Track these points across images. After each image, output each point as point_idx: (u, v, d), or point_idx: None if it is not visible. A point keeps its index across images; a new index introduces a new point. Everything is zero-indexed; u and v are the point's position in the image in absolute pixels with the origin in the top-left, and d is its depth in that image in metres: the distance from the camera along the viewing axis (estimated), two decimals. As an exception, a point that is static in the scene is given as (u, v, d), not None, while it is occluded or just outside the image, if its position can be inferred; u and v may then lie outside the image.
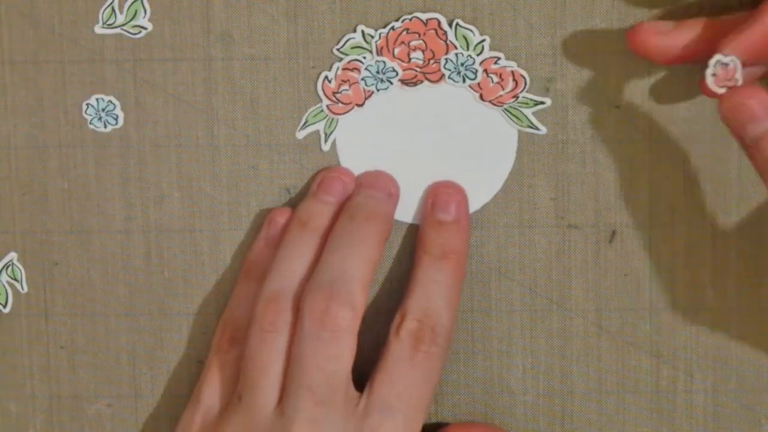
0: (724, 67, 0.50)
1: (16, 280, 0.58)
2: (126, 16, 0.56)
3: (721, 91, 0.50)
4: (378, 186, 0.56)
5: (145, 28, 0.56)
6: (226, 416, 0.54)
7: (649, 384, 0.57)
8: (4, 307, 0.58)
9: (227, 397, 0.55)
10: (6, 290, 0.58)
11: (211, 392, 0.55)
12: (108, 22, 0.56)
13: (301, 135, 0.56)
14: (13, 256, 0.58)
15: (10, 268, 0.58)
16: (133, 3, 0.56)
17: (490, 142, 0.56)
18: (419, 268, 0.55)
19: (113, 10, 0.56)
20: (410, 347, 0.53)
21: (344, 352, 0.52)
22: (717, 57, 0.50)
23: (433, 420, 0.58)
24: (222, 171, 0.57)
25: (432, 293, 0.54)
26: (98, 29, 0.57)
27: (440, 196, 0.56)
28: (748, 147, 0.49)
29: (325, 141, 0.56)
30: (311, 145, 0.56)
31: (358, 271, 0.53)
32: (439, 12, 0.55)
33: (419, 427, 0.53)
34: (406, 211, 0.57)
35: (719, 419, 0.57)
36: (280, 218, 0.56)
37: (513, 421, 0.58)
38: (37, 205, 0.58)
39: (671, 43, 0.52)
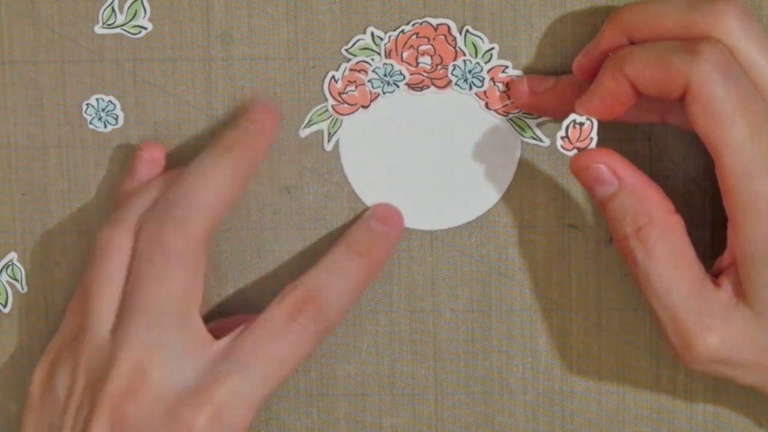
0: (579, 127, 0.52)
1: (16, 280, 0.58)
2: (126, 16, 0.56)
3: (571, 153, 0.52)
4: (256, 116, 0.55)
5: (145, 28, 0.56)
6: (71, 343, 0.53)
7: (649, 384, 0.57)
8: (4, 307, 0.58)
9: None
10: (6, 290, 0.58)
11: (71, 319, 0.54)
12: (108, 22, 0.56)
13: (304, 133, 0.56)
14: (13, 256, 0.58)
15: (10, 268, 0.58)
16: (133, 3, 0.56)
17: (493, 151, 0.56)
18: (331, 252, 0.54)
19: (113, 10, 0.56)
20: (288, 315, 0.52)
21: (176, 276, 0.51)
22: (572, 117, 0.52)
23: (433, 421, 0.58)
24: (222, 171, 0.57)
25: (334, 276, 0.53)
26: (98, 29, 0.57)
27: (382, 212, 0.56)
28: (598, 204, 0.52)
29: (329, 141, 0.56)
30: (312, 145, 0.56)
31: (202, 200, 0.52)
32: (438, 12, 0.55)
33: (268, 391, 0.51)
34: (406, 216, 0.57)
35: (719, 419, 0.57)
36: (143, 152, 0.56)
37: (513, 421, 0.58)
38: (37, 205, 0.58)
39: (544, 103, 0.55)
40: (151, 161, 0.56)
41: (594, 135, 0.52)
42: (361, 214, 0.57)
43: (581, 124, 0.52)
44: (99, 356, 0.51)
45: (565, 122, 0.52)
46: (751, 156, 0.48)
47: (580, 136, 0.52)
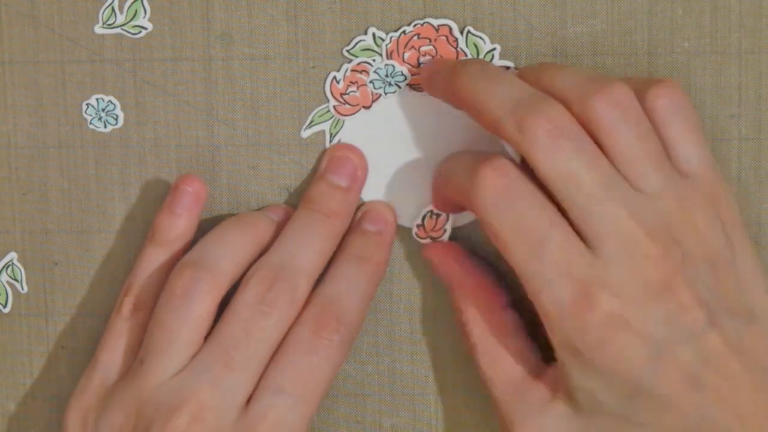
0: (435, 218, 0.56)
1: (16, 280, 0.58)
2: (126, 16, 0.56)
3: (425, 241, 0.56)
4: (342, 172, 0.56)
5: (145, 28, 0.56)
6: (127, 380, 0.53)
7: (649, 384, 0.57)
8: (4, 307, 0.58)
9: (125, 364, 0.55)
10: (6, 290, 0.58)
11: (108, 358, 0.55)
12: (108, 22, 0.56)
13: (306, 134, 0.56)
14: (13, 256, 0.58)
15: (10, 268, 0.58)
16: (133, 3, 0.56)
17: (494, 151, 0.56)
18: (335, 264, 0.55)
19: (113, 10, 0.56)
20: (312, 333, 0.53)
21: (274, 330, 0.52)
22: (430, 207, 0.55)
23: (433, 421, 0.58)
24: (222, 171, 0.57)
25: (343, 285, 0.54)
26: (98, 29, 0.57)
27: (371, 211, 0.56)
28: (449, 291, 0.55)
29: (330, 141, 0.56)
30: (312, 144, 0.56)
31: (308, 264, 0.53)
32: (438, 12, 0.55)
33: (310, 413, 0.53)
34: (407, 216, 0.57)
35: (719, 419, 0.57)
36: (186, 186, 0.56)
37: (513, 421, 0.58)
38: (37, 205, 0.58)
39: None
40: (194, 194, 0.56)
41: (448, 227, 0.56)
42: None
43: (438, 215, 0.56)
44: (159, 397, 0.52)
45: (423, 211, 0.55)
46: (536, 272, 0.49)
47: (435, 226, 0.56)
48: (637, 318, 0.48)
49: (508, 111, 0.49)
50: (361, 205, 0.57)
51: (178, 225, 0.55)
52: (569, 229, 0.49)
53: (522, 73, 0.52)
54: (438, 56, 0.55)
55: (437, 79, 0.54)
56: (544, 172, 0.49)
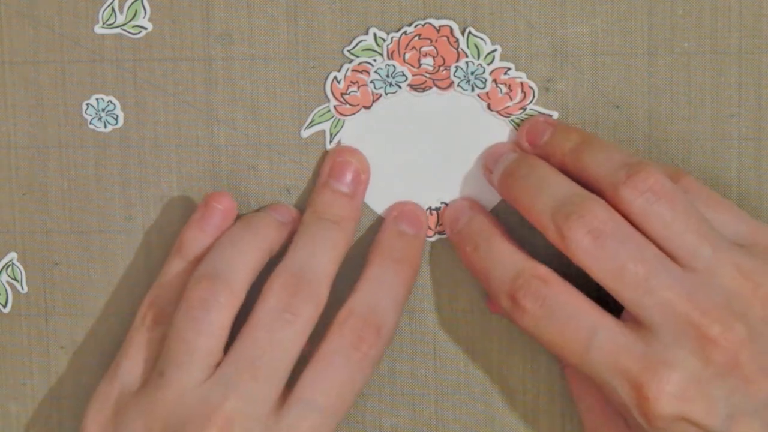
0: (435, 212, 0.56)
1: (16, 280, 0.58)
2: (126, 16, 0.56)
3: (433, 239, 0.57)
4: (346, 177, 0.56)
5: (145, 28, 0.56)
6: (146, 391, 0.53)
7: (649, 384, 0.57)
8: (4, 307, 0.58)
9: (146, 374, 0.54)
10: (6, 290, 0.58)
11: (129, 368, 0.54)
12: (108, 22, 0.56)
13: (306, 134, 0.56)
14: (13, 256, 0.58)
15: (10, 268, 0.58)
16: (133, 3, 0.56)
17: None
18: (372, 267, 0.55)
19: (113, 10, 0.56)
20: (350, 345, 0.52)
21: (298, 338, 0.52)
22: (429, 205, 0.56)
23: (433, 421, 0.58)
24: (222, 171, 0.57)
25: (382, 293, 0.54)
26: (98, 29, 0.57)
27: (408, 213, 0.56)
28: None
29: (330, 141, 0.56)
30: (312, 144, 0.56)
31: (326, 271, 0.53)
32: (438, 12, 0.55)
33: (338, 422, 0.53)
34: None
35: (719, 419, 0.57)
36: (216, 204, 0.56)
37: (513, 421, 0.58)
38: (37, 205, 0.58)
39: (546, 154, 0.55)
40: (223, 212, 0.56)
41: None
42: (380, 218, 0.57)
43: (437, 210, 0.56)
44: (185, 408, 0.52)
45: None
46: (592, 372, 0.51)
47: (439, 221, 0.56)
48: (699, 403, 0.49)
49: (548, 218, 0.51)
50: (393, 204, 0.57)
51: (205, 242, 0.55)
52: (613, 324, 0.50)
53: (564, 149, 0.53)
54: (494, 146, 0.56)
55: (488, 172, 0.55)
56: (591, 272, 0.50)
